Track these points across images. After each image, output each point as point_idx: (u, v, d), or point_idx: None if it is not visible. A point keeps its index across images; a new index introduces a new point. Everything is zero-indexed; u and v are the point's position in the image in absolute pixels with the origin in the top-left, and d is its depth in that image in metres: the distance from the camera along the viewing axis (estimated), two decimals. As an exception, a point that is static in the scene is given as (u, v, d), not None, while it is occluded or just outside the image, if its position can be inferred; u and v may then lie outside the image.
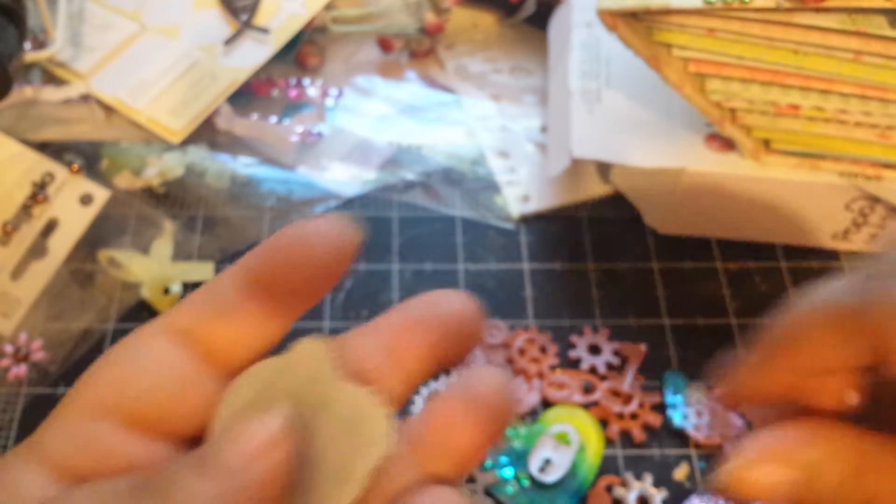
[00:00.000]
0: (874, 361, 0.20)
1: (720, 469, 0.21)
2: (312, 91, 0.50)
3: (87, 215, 0.43)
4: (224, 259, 0.43)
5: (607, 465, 0.37)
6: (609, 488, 0.36)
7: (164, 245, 0.43)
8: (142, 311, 0.41)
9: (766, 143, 0.41)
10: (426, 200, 0.46)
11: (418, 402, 0.38)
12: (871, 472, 0.20)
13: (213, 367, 0.19)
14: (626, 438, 0.38)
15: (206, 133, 0.47)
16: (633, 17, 0.38)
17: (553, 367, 0.40)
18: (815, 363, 0.21)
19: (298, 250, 0.19)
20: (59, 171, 0.43)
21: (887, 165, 0.40)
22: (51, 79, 0.49)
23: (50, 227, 0.42)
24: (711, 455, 0.38)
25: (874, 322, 0.19)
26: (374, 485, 0.18)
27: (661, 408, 0.39)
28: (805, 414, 0.22)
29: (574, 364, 0.40)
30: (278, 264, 0.19)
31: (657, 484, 0.37)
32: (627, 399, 0.39)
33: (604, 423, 0.38)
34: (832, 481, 0.20)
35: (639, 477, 0.37)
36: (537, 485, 0.36)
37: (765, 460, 0.21)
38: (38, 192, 0.42)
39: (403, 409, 0.21)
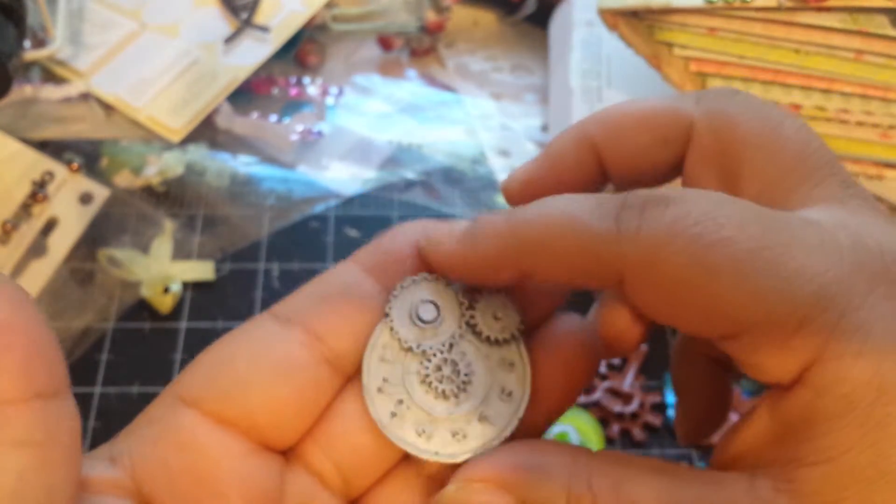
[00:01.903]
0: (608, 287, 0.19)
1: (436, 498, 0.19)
2: (312, 90, 0.50)
3: (87, 214, 0.43)
4: (224, 258, 0.43)
5: (607, 465, 0.37)
6: (609, 488, 0.36)
7: (163, 244, 0.43)
8: (141, 311, 0.41)
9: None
10: (426, 199, 0.46)
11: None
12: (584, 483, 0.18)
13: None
14: (627, 438, 0.38)
15: (206, 132, 0.47)
16: (635, 15, 0.38)
17: (553, 367, 0.40)
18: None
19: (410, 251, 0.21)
20: (59, 169, 0.43)
21: (889, 165, 0.40)
22: (50, 77, 0.49)
23: (49, 225, 0.42)
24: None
25: (618, 255, 0.18)
26: None
27: (661, 407, 0.39)
28: None
29: (574, 363, 0.40)
30: (393, 259, 0.21)
31: (657, 484, 0.37)
32: (628, 399, 0.39)
33: (604, 423, 0.38)
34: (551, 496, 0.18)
35: (639, 477, 0.37)
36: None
37: (482, 484, 0.19)
38: (38, 191, 0.42)
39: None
